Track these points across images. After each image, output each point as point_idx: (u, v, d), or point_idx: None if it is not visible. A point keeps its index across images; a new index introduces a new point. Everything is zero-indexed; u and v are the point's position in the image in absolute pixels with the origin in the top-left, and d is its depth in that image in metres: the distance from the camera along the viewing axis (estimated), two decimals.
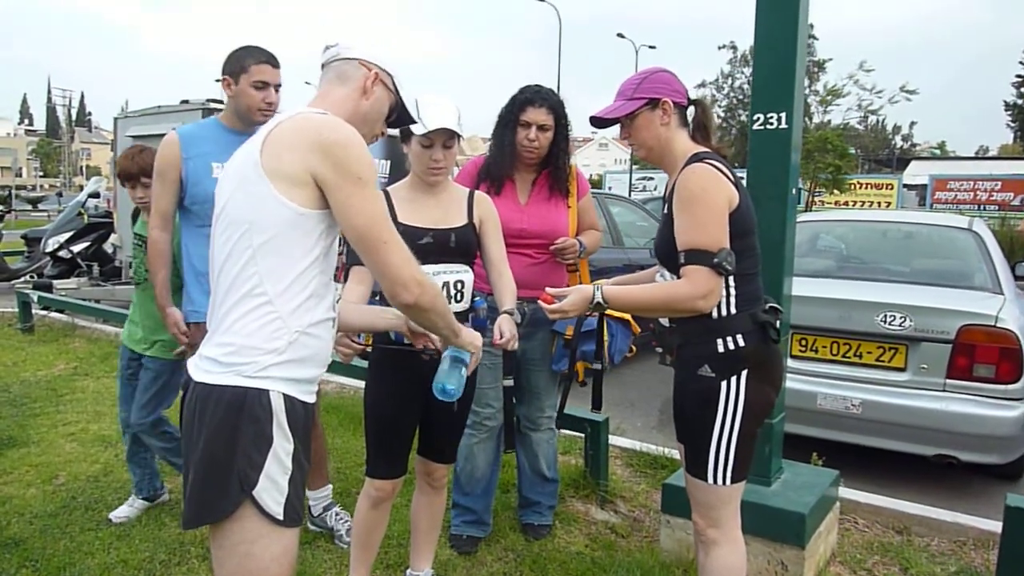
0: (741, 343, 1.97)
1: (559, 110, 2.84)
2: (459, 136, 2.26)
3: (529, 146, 2.81)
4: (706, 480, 2.01)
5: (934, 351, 3.74)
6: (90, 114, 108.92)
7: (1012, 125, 51.38)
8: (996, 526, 2.86)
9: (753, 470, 2.30)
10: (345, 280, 2.22)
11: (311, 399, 1.61)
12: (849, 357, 4.00)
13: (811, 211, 17.33)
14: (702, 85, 50.10)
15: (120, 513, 3.17)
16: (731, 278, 1.97)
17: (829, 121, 21.90)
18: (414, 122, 1.93)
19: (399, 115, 1.83)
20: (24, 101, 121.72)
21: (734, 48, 49.81)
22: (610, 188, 28.05)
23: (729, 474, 1.99)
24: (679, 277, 1.95)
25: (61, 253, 9.08)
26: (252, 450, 1.47)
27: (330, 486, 3.17)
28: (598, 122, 2.18)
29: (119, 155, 3.28)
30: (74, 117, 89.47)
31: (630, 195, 22.85)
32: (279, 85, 2.77)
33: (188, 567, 2.79)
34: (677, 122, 2.08)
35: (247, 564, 1.50)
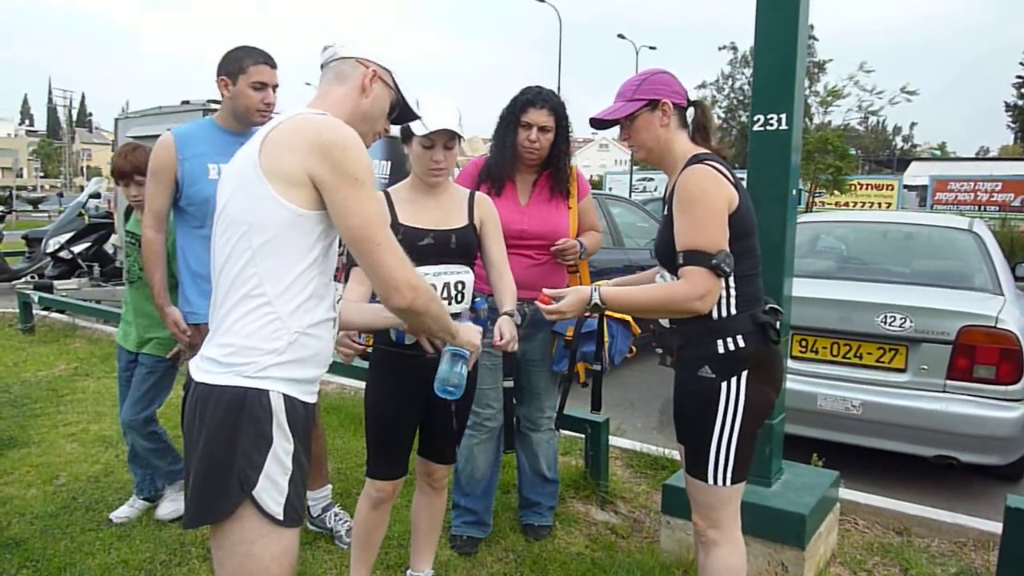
0: (741, 344, 1.97)
1: (560, 111, 2.84)
2: (460, 137, 2.27)
3: (530, 147, 2.82)
4: (706, 481, 2.01)
5: (934, 352, 3.74)
6: (91, 115, 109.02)
7: (1012, 126, 51.39)
8: (996, 527, 2.86)
9: (753, 471, 2.30)
10: (346, 281, 2.23)
11: (312, 399, 1.62)
12: (849, 358, 4.00)
13: (811, 212, 17.32)
14: (702, 86, 50.18)
15: (121, 513, 3.18)
16: (731, 279, 1.97)
17: (829, 122, 21.90)
18: (417, 117, 1.92)
19: (401, 111, 1.82)
20: (25, 102, 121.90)
21: (734, 49, 49.89)
22: (610, 189, 28.04)
23: (729, 475, 1.99)
24: (679, 278, 1.95)
25: (62, 254, 9.08)
26: (252, 450, 1.47)
27: (329, 486, 3.17)
28: (598, 123, 2.18)
29: (114, 154, 3.28)
30: (75, 118, 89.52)
31: (630, 196, 22.85)
32: (277, 85, 2.77)
33: (189, 567, 2.79)
34: (677, 123, 2.08)
35: (247, 564, 1.51)
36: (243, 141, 1.62)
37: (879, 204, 26.11)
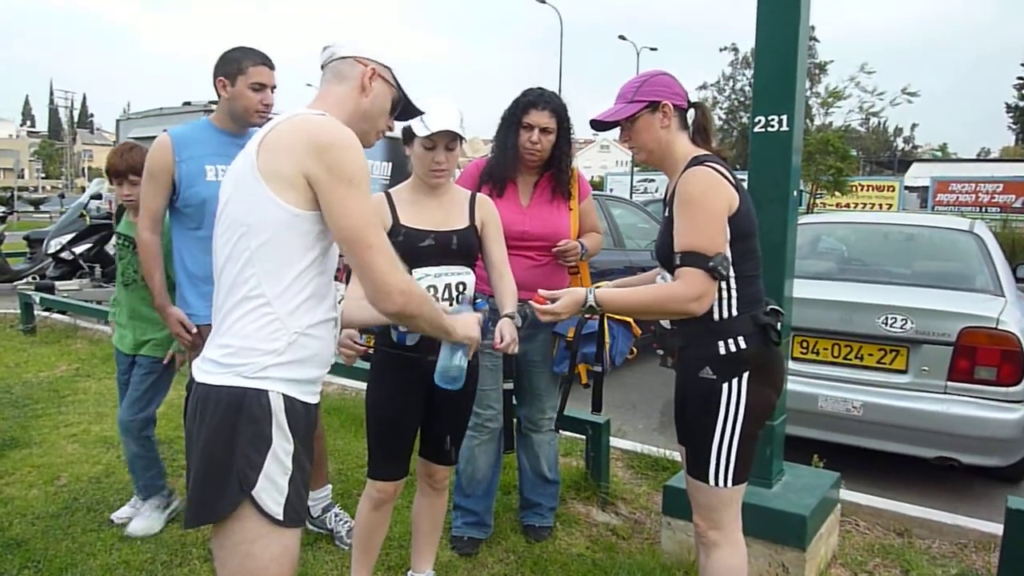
0: (742, 345, 1.97)
1: (562, 113, 2.84)
2: (462, 138, 2.27)
3: (532, 148, 2.82)
4: (707, 482, 2.01)
5: (935, 353, 3.74)
6: (92, 116, 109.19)
7: (1014, 127, 51.35)
8: (997, 528, 2.86)
9: (754, 472, 2.30)
10: (347, 281, 2.23)
11: (313, 400, 1.62)
12: (850, 359, 4.00)
13: (812, 213, 17.32)
14: (703, 87, 50.17)
15: (122, 514, 3.17)
16: (732, 280, 1.98)
17: (830, 123, 21.85)
18: (420, 113, 1.90)
19: (404, 108, 1.81)
20: (26, 103, 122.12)
21: (735, 50, 49.86)
22: (611, 190, 28.04)
23: (730, 476, 1.99)
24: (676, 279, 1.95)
25: (63, 254, 9.09)
26: (251, 450, 1.48)
27: (329, 487, 3.18)
28: (598, 125, 2.19)
29: (109, 152, 3.27)
30: (76, 119, 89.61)
31: (631, 197, 22.85)
32: (275, 86, 2.77)
33: (190, 568, 2.80)
34: (677, 125, 2.08)
35: (247, 564, 1.51)
36: (240, 142, 1.62)
37: (880, 205, 26.11)
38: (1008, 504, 2.51)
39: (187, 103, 7.77)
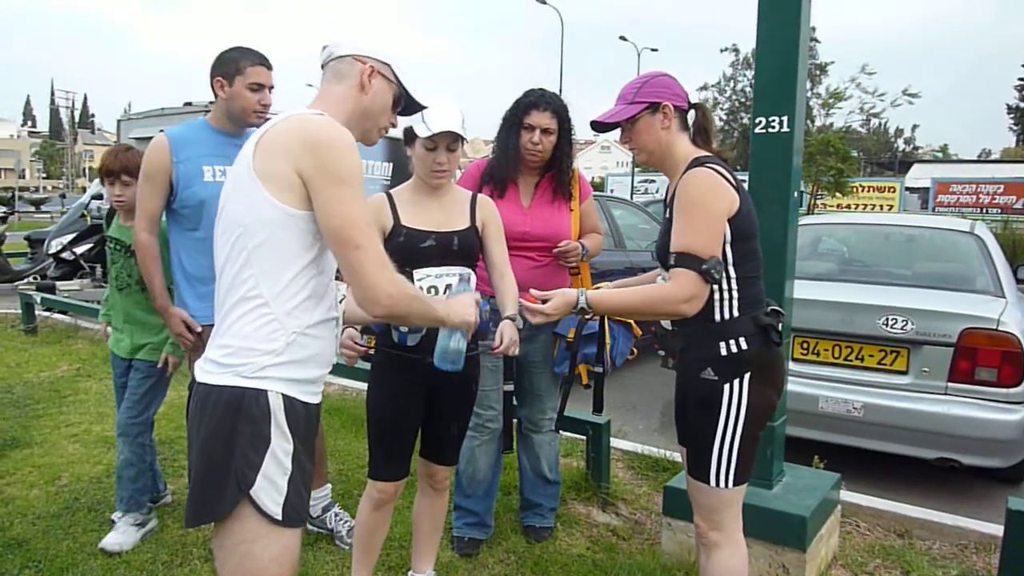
0: (744, 346, 1.97)
1: (563, 114, 2.85)
2: (463, 139, 2.27)
3: (533, 149, 2.82)
4: (708, 483, 2.01)
5: (936, 354, 3.74)
6: (93, 116, 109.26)
7: (1015, 128, 51.41)
8: (997, 529, 2.86)
9: (755, 473, 2.30)
10: None
11: (314, 400, 1.61)
12: (851, 360, 4.00)
13: (813, 214, 17.32)
14: (704, 88, 50.23)
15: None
16: (733, 281, 1.98)
17: (831, 124, 21.82)
18: (423, 108, 1.88)
19: (407, 103, 1.80)
20: (27, 103, 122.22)
21: (736, 51, 49.89)
22: (612, 191, 28.03)
23: (731, 477, 1.99)
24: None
25: (64, 255, 9.10)
26: (249, 450, 1.48)
27: (329, 486, 3.18)
28: (599, 126, 2.19)
29: (103, 152, 3.23)
30: (77, 119, 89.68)
31: (632, 198, 22.85)
32: (272, 87, 2.76)
33: (190, 568, 2.80)
34: (678, 126, 2.08)
35: (247, 563, 1.51)
36: (238, 142, 1.62)
37: (881, 206, 26.10)
38: (1008, 505, 2.51)
39: (188, 103, 7.78)
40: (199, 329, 2.75)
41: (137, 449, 2.98)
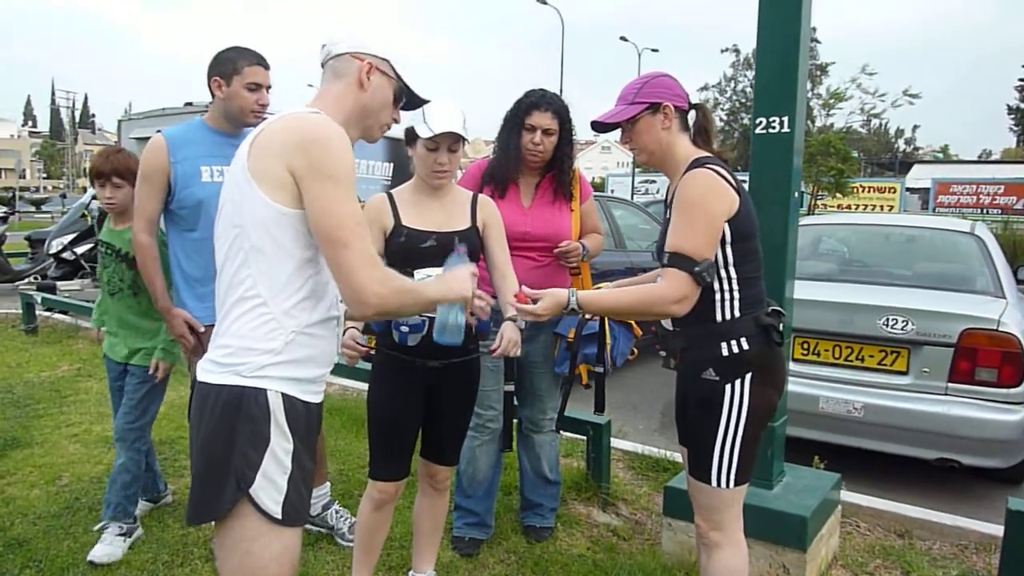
0: (745, 346, 1.97)
1: (564, 114, 2.85)
2: (464, 140, 2.27)
3: (534, 150, 2.83)
4: (709, 483, 2.02)
5: (936, 355, 3.74)
6: (93, 116, 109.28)
7: (1015, 129, 51.39)
8: (998, 530, 2.86)
9: (755, 473, 2.30)
10: None
11: (315, 399, 1.61)
12: (851, 360, 4.00)
13: (813, 214, 17.31)
14: (705, 88, 50.24)
15: None
16: (734, 282, 1.98)
17: (832, 124, 21.80)
18: (425, 102, 1.85)
19: (408, 98, 1.78)
20: (28, 103, 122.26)
21: (737, 51, 49.90)
22: (612, 191, 28.04)
23: (732, 477, 2.00)
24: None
25: (65, 255, 9.10)
26: (249, 449, 1.48)
27: (328, 484, 3.18)
28: (599, 126, 2.19)
29: (94, 154, 3.18)
30: (77, 119, 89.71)
31: (632, 198, 22.86)
32: (270, 86, 2.75)
33: (191, 568, 2.80)
34: (678, 126, 2.08)
35: (247, 562, 1.51)
36: (235, 142, 1.62)
37: (881, 207, 26.09)
38: (1008, 505, 2.51)
39: (189, 103, 7.77)
40: (202, 329, 2.73)
41: (134, 455, 2.94)
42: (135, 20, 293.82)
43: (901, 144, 76.03)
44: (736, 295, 1.99)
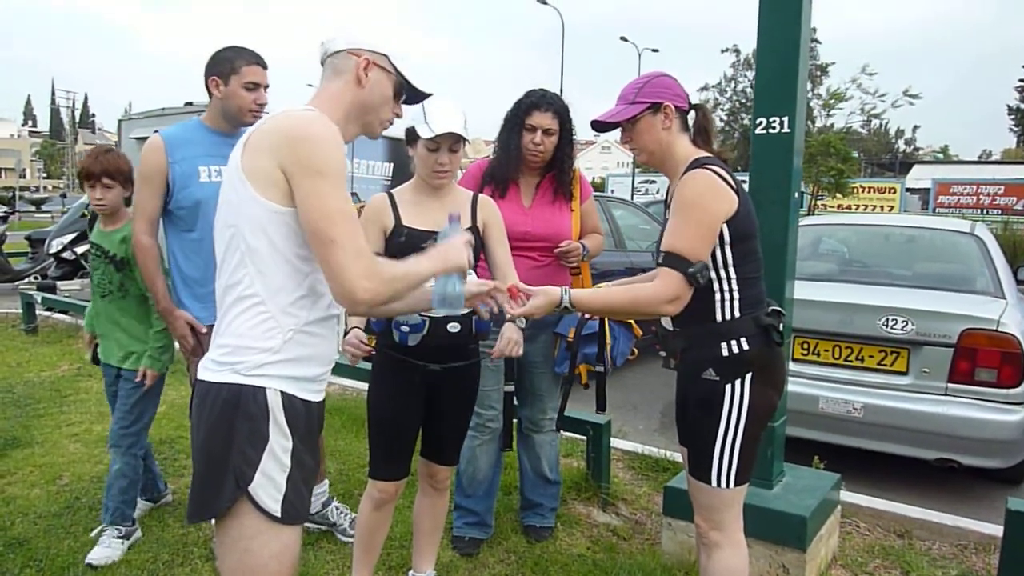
0: (745, 346, 1.98)
1: (564, 114, 2.85)
2: (465, 140, 2.27)
3: (534, 150, 2.83)
4: (709, 483, 2.02)
5: (936, 355, 3.74)
6: (93, 116, 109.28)
7: (1015, 129, 51.40)
8: (997, 530, 2.86)
9: (755, 473, 2.30)
10: None
11: (315, 397, 1.61)
12: (851, 361, 4.00)
13: (813, 215, 17.30)
14: (705, 88, 50.24)
15: None
16: (734, 282, 1.98)
17: (832, 125, 21.81)
18: (427, 95, 1.81)
19: (409, 92, 1.75)
20: (28, 103, 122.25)
21: (737, 52, 49.90)
22: (612, 191, 28.04)
23: (732, 477, 2.00)
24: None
25: (65, 254, 9.11)
26: (247, 447, 1.48)
27: (327, 482, 3.18)
28: (599, 126, 2.19)
29: (84, 155, 3.14)
30: (77, 119, 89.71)
31: (632, 198, 22.86)
32: (267, 85, 2.74)
33: (191, 567, 2.80)
34: (678, 127, 2.09)
35: (246, 560, 1.51)
36: (233, 142, 1.60)
37: (881, 207, 26.10)
38: (1008, 506, 2.51)
39: (189, 103, 7.78)
40: (204, 331, 2.71)
41: (130, 460, 2.92)
42: (135, 20, 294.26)
43: (901, 144, 76.05)
44: (736, 295, 1.99)
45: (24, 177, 60.88)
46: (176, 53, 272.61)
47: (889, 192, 27.26)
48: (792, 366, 4.00)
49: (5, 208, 14.31)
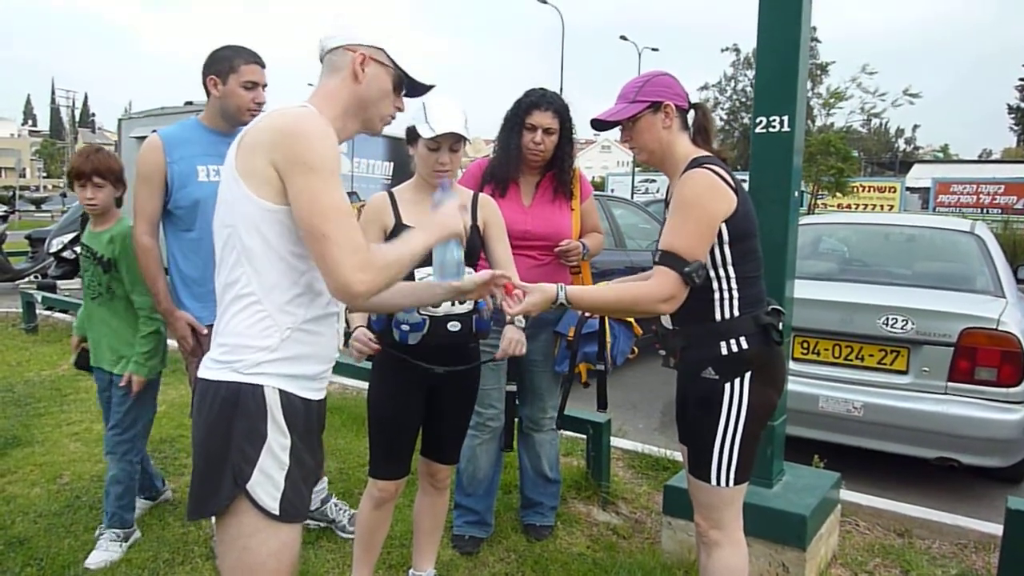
0: (745, 345, 1.98)
1: (564, 114, 2.86)
2: (466, 139, 2.27)
3: (535, 149, 2.83)
4: (709, 482, 2.02)
5: (936, 354, 3.75)
6: (93, 115, 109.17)
7: (1015, 128, 51.40)
8: (997, 529, 2.86)
9: (755, 472, 2.30)
10: None
11: (315, 396, 1.61)
12: (851, 360, 4.00)
13: (813, 214, 17.30)
14: (705, 88, 50.19)
15: None
16: (734, 281, 1.99)
17: (832, 124, 21.80)
18: (428, 88, 1.78)
19: (409, 85, 1.72)
20: (28, 102, 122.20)
21: (737, 51, 49.83)
22: (612, 190, 28.04)
23: (732, 476, 2.00)
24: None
25: (65, 253, 9.13)
26: (245, 445, 1.49)
27: (326, 479, 3.19)
28: (600, 124, 2.19)
29: (73, 155, 3.11)
30: (77, 118, 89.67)
31: (632, 197, 22.85)
32: (266, 84, 2.74)
33: (192, 566, 2.81)
34: (678, 126, 2.09)
35: (245, 558, 1.52)
36: (231, 141, 1.60)
37: (881, 206, 26.10)
38: (1008, 505, 2.51)
39: (189, 103, 7.79)
40: (204, 331, 2.69)
41: (126, 466, 2.89)
42: (135, 20, 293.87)
43: (901, 144, 76.02)
44: (735, 294, 1.99)
45: (24, 176, 60.74)
46: (176, 53, 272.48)
47: (889, 191, 27.26)
48: (792, 365, 4.01)
49: (5, 207, 14.33)
